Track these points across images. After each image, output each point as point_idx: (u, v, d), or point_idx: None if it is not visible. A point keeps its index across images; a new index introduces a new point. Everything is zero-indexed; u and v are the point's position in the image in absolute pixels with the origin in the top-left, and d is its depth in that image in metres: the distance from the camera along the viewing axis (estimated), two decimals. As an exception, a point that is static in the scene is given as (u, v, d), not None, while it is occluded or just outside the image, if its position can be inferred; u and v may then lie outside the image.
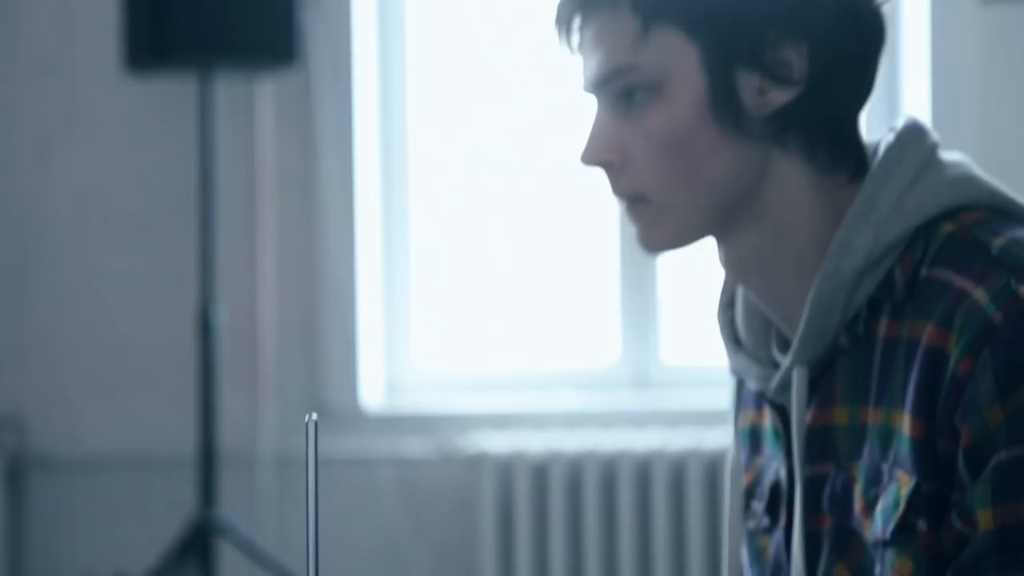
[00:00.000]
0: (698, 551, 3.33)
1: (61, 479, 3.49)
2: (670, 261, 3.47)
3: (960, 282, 1.24)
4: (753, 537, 1.42)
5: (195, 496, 3.28)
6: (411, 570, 3.46)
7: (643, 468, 3.38)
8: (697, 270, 3.46)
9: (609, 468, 3.38)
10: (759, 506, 1.41)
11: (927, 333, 1.24)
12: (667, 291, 3.54)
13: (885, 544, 1.27)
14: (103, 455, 3.48)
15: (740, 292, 1.42)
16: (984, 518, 1.21)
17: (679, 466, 3.37)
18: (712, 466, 3.34)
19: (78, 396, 3.49)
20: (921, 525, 1.24)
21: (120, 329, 3.49)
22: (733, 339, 1.42)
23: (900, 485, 1.25)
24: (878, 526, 1.27)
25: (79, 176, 3.49)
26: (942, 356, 1.23)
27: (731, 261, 1.36)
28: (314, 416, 1.01)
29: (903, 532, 1.25)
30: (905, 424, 1.25)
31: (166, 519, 3.34)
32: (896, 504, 1.25)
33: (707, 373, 3.45)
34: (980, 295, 1.22)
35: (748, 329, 1.41)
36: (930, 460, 1.24)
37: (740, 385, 1.47)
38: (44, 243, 3.50)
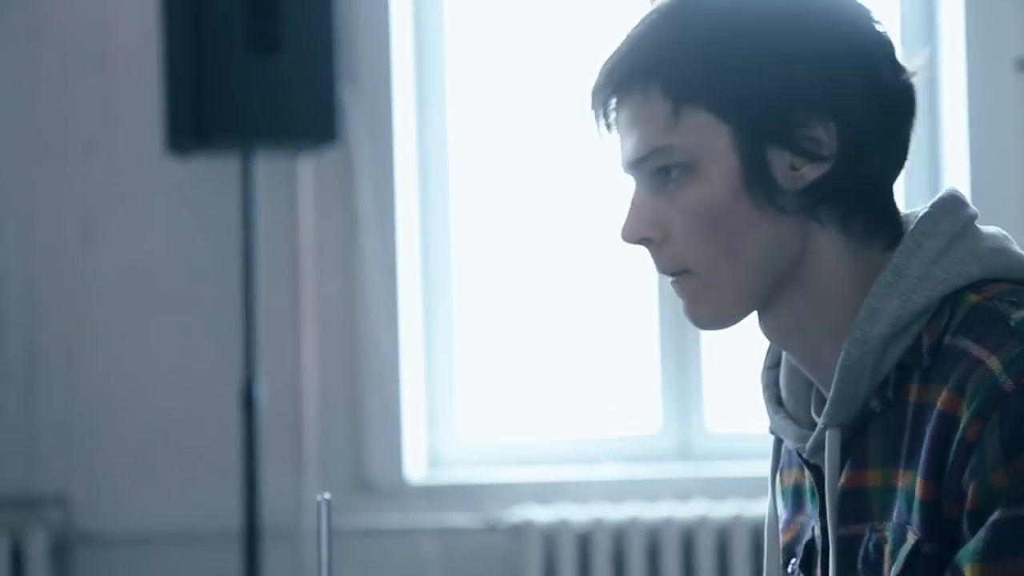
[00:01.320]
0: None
1: (106, 555, 3.51)
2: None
3: (976, 351, 1.28)
4: None
5: (240, 571, 3.29)
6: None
7: (688, 536, 3.37)
8: (741, 337, 3.47)
9: (653, 536, 3.38)
10: (796, 564, 1.43)
11: (942, 398, 1.28)
12: (711, 358, 3.55)
13: None
14: (148, 531, 3.50)
15: (785, 353, 1.45)
16: (971, 573, 1.24)
17: (724, 534, 3.37)
18: (757, 534, 3.33)
19: (123, 472, 3.51)
20: None
21: (164, 405, 3.52)
22: (775, 399, 1.45)
23: (908, 545, 1.29)
24: None
25: (123, 255, 3.53)
26: (953, 420, 1.27)
27: (771, 328, 1.39)
28: (327, 495, 1.04)
29: None
30: (917, 486, 1.29)
31: (212, 594, 3.36)
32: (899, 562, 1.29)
33: (751, 441, 3.45)
34: (994, 363, 1.26)
35: (789, 390, 1.44)
36: (935, 522, 1.27)
37: (780, 443, 1.49)
38: (89, 321, 3.53)
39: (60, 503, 3.52)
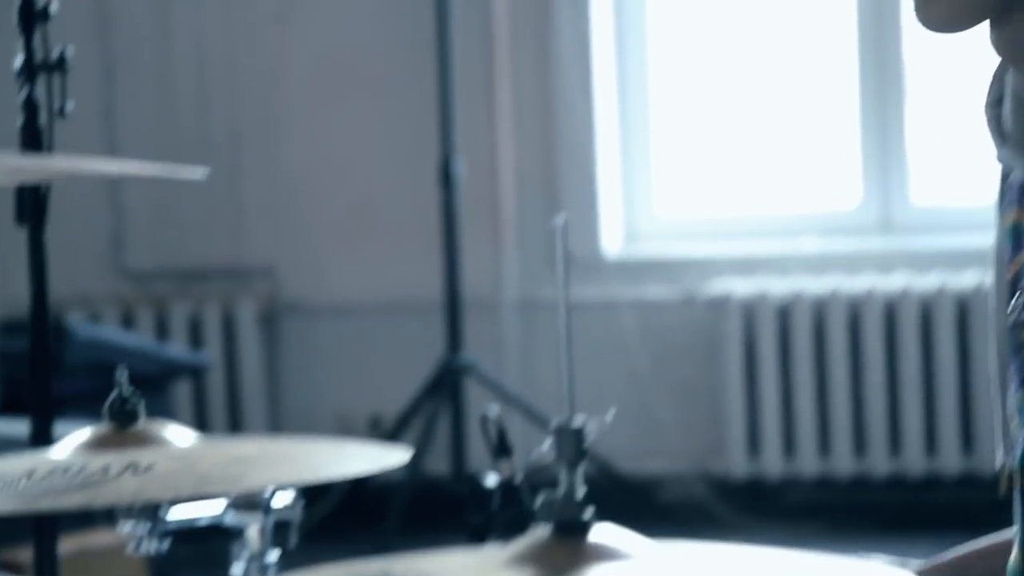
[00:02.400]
0: (949, 391, 3.29)
1: (313, 325, 3.61)
2: (918, 99, 3.40)
3: None
4: (1015, 329, 1.42)
5: (442, 340, 3.36)
6: (657, 409, 3.49)
7: (890, 309, 3.34)
8: (946, 106, 3.39)
9: (855, 309, 3.35)
10: (1020, 299, 1.41)
11: None
12: (914, 128, 3.47)
13: None
14: (351, 302, 3.59)
15: (1009, 85, 1.41)
16: None
17: (927, 307, 3.32)
18: (961, 308, 3.28)
19: (326, 245, 3.60)
20: None
21: (364, 182, 3.57)
22: (1000, 132, 1.41)
23: None
24: None
25: (318, 37, 3.57)
26: None
27: (1003, 45, 1.35)
28: (563, 217, 1.02)
29: None
30: None
31: (415, 362, 3.43)
32: None
33: (956, 215, 3.38)
34: None
35: (1015, 121, 1.40)
36: None
37: (1004, 180, 1.46)
38: (288, 103, 3.59)
39: (267, 275, 3.62)
